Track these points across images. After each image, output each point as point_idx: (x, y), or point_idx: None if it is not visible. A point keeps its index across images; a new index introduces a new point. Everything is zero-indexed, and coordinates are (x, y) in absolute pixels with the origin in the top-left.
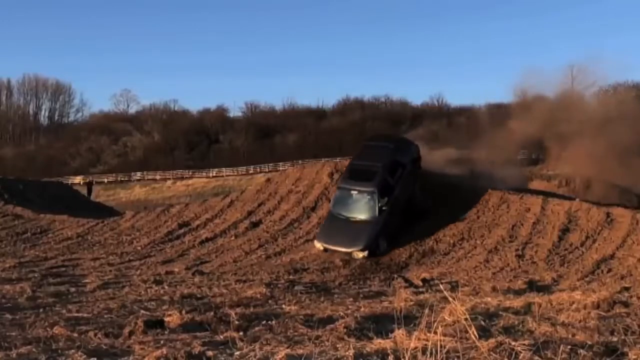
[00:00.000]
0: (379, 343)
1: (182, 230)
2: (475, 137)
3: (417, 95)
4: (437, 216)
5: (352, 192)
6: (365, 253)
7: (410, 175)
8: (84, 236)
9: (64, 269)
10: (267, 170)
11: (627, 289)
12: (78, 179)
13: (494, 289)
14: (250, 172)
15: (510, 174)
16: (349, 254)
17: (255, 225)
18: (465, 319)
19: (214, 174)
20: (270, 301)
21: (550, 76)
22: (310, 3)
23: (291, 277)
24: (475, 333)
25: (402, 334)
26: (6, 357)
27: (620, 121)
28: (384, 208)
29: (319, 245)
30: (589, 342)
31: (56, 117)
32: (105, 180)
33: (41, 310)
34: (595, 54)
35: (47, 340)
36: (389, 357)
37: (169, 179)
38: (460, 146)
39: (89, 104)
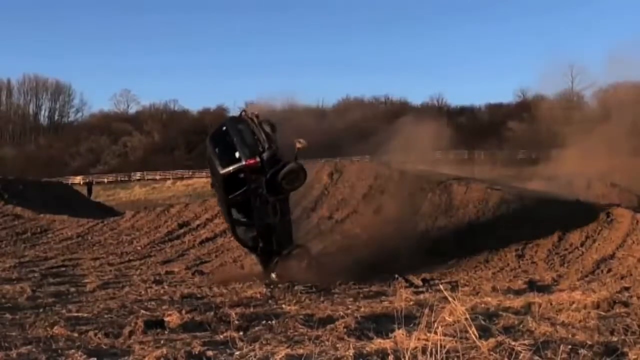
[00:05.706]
0: (379, 343)
1: (182, 230)
2: None
3: (417, 95)
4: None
5: None
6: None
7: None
8: (84, 236)
9: (64, 268)
10: None
11: (627, 289)
12: (78, 179)
13: (494, 288)
14: None
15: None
16: None
17: None
18: (465, 319)
19: None
20: (270, 301)
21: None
22: (310, 3)
23: None
24: (476, 333)
25: (402, 334)
26: (6, 357)
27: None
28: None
29: None
30: (589, 342)
31: (56, 117)
32: (105, 180)
33: (41, 310)
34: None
35: (47, 340)
36: (389, 357)
37: (169, 179)
38: None
39: (89, 104)
